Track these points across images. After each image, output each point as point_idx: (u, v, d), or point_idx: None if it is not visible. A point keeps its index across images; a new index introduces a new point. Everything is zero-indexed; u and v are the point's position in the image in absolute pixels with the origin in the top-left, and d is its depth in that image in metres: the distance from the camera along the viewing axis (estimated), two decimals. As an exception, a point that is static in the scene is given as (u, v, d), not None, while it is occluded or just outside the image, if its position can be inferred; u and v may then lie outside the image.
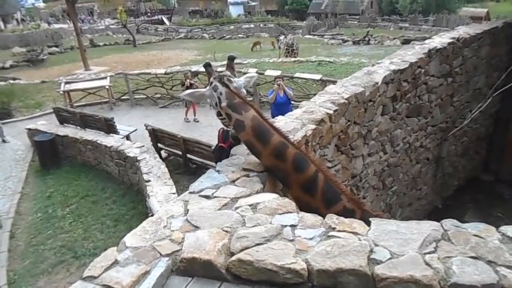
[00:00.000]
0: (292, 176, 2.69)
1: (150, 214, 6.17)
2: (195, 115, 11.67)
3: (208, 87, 2.85)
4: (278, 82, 8.50)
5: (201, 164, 8.74)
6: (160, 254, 2.02)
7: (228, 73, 2.85)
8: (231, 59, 3.00)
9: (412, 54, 6.15)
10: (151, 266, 1.95)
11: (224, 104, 2.75)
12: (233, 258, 1.91)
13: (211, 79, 2.83)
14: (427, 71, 6.29)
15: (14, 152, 10.78)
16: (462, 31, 7.38)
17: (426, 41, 6.96)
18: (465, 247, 1.81)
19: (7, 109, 13.53)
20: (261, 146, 2.70)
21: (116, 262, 1.99)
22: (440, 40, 6.84)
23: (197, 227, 2.19)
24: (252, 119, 2.68)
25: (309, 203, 2.65)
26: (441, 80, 6.74)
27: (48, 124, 11.04)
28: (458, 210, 8.03)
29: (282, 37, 23.90)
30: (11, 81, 18.14)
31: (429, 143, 7.09)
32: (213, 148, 7.08)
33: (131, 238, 2.16)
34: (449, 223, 1.99)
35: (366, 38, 28.85)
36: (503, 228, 1.91)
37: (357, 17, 45.72)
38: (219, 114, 2.88)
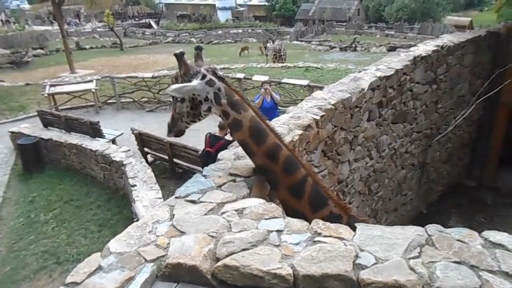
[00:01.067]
0: (281, 177, 2.68)
1: (135, 219, 6.10)
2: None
3: (197, 80, 2.55)
4: (265, 87, 8.52)
5: (188, 168, 8.70)
6: (145, 260, 1.99)
7: (216, 66, 2.75)
8: (199, 49, 2.76)
9: (397, 61, 6.23)
10: (136, 271, 1.92)
11: (224, 101, 2.58)
12: (219, 263, 1.90)
13: (203, 71, 2.57)
14: (412, 78, 6.38)
15: (-4, 156, 10.58)
16: (447, 39, 7.52)
17: (412, 49, 7.07)
18: (448, 252, 1.83)
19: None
20: (255, 146, 2.65)
21: (99, 268, 1.95)
22: (425, 47, 6.95)
23: (182, 232, 2.17)
24: (251, 119, 2.61)
25: (295, 207, 2.65)
26: (426, 87, 6.85)
27: (32, 127, 10.86)
28: (442, 215, 8.15)
29: (269, 44, 24.05)
30: (-6, 83, 17.85)
31: (414, 149, 7.18)
32: (200, 152, 7.06)
33: (116, 243, 2.13)
34: (433, 228, 2.01)
35: (353, 45, 29.23)
36: (486, 233, 1.94)
37: (344, 24, 46.27)
38: (208, 110, 2.65)
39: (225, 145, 6.11)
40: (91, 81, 14.62)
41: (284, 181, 2.69)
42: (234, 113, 2.60)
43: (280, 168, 2.66)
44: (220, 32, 44.55)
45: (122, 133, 10.51)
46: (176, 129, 2.78)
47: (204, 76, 2.56)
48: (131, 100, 14.27)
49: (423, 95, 6.83)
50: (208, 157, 5.85)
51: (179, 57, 2.58)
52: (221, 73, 2.67)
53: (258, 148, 2.65)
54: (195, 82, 2.55)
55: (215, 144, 6.10)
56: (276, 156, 2.64)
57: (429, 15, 43.18)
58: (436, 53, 6.83)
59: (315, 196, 2.68)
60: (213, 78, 2.57)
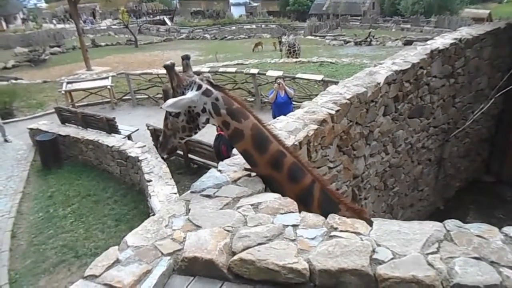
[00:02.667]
0: (287, 186, 2.55)
1: (151, 214, 6.17)
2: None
3: (193, 92, 2.40)
4: (278, 81, 8.50)
5: (203, 164, 8.74)
6: (162, 253, 2.01)
7: (209, 74, 2.58)
8: (187, 58, 2.58)
9: (414, 54, 6.14)
10: (153, 265, 1.95)
11: (223, 111, 2.43)
12: (235, 257, 1.90)
13: (197, 81, 2.42)
14: (429, 72, 6.28)
15: (16, 152, 10.80)
16: (465, 32, 7.37)
17: (429, 42, 6.95)
18: (467, 248, 1.80)
19: (9, 109, 13.56)
20: (258, 155, 2.51)
21: (117, 261, 1.98)
22: (443, 41, 6.82)
23: (198, 227, 2.18)
24: (252, 127, 2.46)
25: None
26: (443, 81, 6.73)
27: (49, 124, 11.07)
28: (459, 211, 8.01)
29: (284, 39, 23.91)
30: (13, 81, 18.19)
31: (431, 144, 7.07)
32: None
33: (133, 237, 2.16)
34: (451, 224, 1.98)
35: (368, 39, 28.84)
36: (506, 229, 1.90)
37: (359, 18, 45.70)
38: (206, 122, 2.50)
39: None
40: (106, 78, 14.81)
41: (290, 190, 2.54)
42: (235, 123, 2.45)
43: (285, 177, 2.53)
44: (233, 28, 44.48)
45: (138, 129, 10.62)
46: (170, 147, 2.59)
47: (199, 87, 2.41)
48: (146, 96, 14.40)
49: (440, 89, 6.72)
50: (219, 139, 5.83)
51: (170, 68, 2.41)
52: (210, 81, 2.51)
53: (261, 158, 2.51)
54: (191, 94, 2.39)
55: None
56: (280, 164, 2.51)
57: (446, 8, 42.29)
58: (454, 46, 6.70)
59: (324, 202, 2.56)
60: (209, 87, 2.43)
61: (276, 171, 2.53)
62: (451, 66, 6.78)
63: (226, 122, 2.46)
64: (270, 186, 2.65)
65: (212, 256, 1.92)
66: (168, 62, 2.42)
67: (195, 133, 2.58)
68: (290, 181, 2.54)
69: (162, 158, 2.70)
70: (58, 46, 32.18)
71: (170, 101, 2.34)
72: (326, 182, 2.74)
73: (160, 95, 14.24)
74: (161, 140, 2.60)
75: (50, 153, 10.02)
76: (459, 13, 41.01)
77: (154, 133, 9.46)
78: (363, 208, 2.57)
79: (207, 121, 2.51)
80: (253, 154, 2.52)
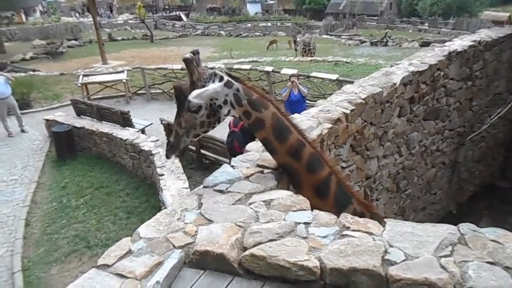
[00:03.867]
0: (304, 176, 2.58)
1: (162, 208, 6.22)
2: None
3: (215, 83, 2.40)
4: (292, 80, 8.47)
5: (215, 160, 8.77)
6: (174, 246, 2.04)
7: (222, 65, 2.67)
8: (197, 53, 2.50)
9: (431, 56, 6.06)
10: (164, 257, 1.97)
11: (244, 101, 2.46)
12: (246, 252, 1.91)
13: (218, 72, 2.44)
14: (446, 74, 6.20)
15: (31, 142, 10.98)
16: (484, 34, 7.25)
17: (447, 43, 6.86)
18: (482, 252, 1.77)
19: (27, 100, 13.77)
20: (278, 143, 2.54)
21: (129, 252, 2.01)
22: (461, 42, 6.73)
23: (210, 221, 2.20)
24: (272, 116, 2.49)
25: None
26: (461, 84, 6.64)
27: (65, 116, 11.21)
28: (472, 216, 7.88)
29: (299, 38, 23.80)
30: (31, 73, 18.46)
31: (446, 147, 6.98)
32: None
33: (145, 229, 2.18)
34: (466, 227, 1.95)
35: (384, 40, 28.55)
36: (522, 234, 1.87)
37: (376, 18, 45.25)
38: (227, 114, 2.50)
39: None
40: (122, 71, 14.94)
41: (307, 180, 2.58)
42: (256, 113, 2.48)
43: (304, 167, 2.56)
44: (249, 25, 44.44)
45: (151, 123, 10.70)
46: (182, 146, 2.56)
47: (221, 78, 2.42)
48: (161, 91, 14.49)
49: (457, 92, 6.62)
50: (232, 136, 5.86)
51: (189, 61, 2.38)
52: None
53: (281, 146, 2.54)
54: (215, 85, 2.39)
55: (238, 124, 6.17)
56: (300, 154, 2.53)
57: (465, 10, 41.57)
58: (472, 49, 6.60)
59: (340, 195, 2.58)
60: (230, 79, 2.45)
61: (295, 161, 2.56)
62: (469, 68, 6.68)
63: (248, 112, 2.49)
64: (288, 174, 2.67)
65: (223, 251, 1.93)
66: (187, 55, 2.39)
67: (213, 127, 2.56)
68: (308, 171, 2.57)
69: (168, 158, 2.66)
70: (75, 39, 32.54)
71: (195, 92, 2.32)
72: (342, 175, 2.76)
73: (174, 90, 14.32)
74: (173, 140, 2.55)
75: (65, 145, 10.16)
76: (478, 16, 40.32)
77: (168, 127, 9.52)
78: (373, 204, 2.55)
79: (228, 113, 2.51)
80: (273, 142, 2.56)
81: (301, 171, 2.58)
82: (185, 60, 2.39)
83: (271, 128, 2.51)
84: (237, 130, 6.02)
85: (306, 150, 2.56)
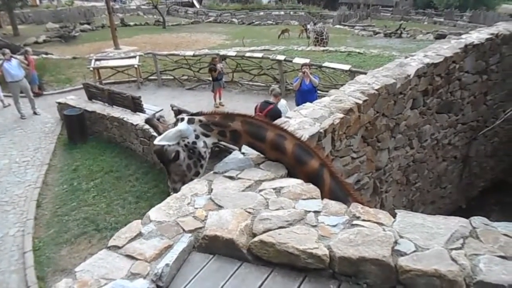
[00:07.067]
0: (297, 168, 2.61)
1: (171, 193, 6.26)
2: (219, 99, 11.79)
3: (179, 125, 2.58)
4: (303, 70, 8.41)
5: (224, 147, 8.77)
6: (183, 230, 2.05)
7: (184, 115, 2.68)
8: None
9: (447, 48, 5.97)
10: (174, 241, 1.98)
11: (212, 126, 2.59)
12: (255, 239, 1.91)
13: (178, 117, 2.64)
14: (461, 67, 6.10)
15: (43, 125, 11.09)
16: (502, 28, 7.10)
17: (463, 36, 6.74)
18: (493, 246, 1.76)
19: (39, 83, 13.87)
20: (260, 143, 2.63)
21: (140, 234, 2.03)
22: (478, 35, 6.60)
23: (220, 206, 2.20)
24: (242, 124, 2.58)
25: None
26: (476, 77, 6.53)
27: (77, 99, 11.28)
28: (482, 211, 7.80)
29: (309, 26, 23.48)
30: (44, 56, 18.55)
31: (458, 141, 6.91)
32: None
33: (156, 213, 2.20)
34: (478, 221, 1.93)
35: (398, 31, 28.07)
36: (535, 230, 1.85)
37: (390, 9, 44.47)
38: (205, 146, 2.63)
39: (275, 110, 6.29)
40: (134, 57, 14.93)
41: (301, 172, 2.58)
42: (226, 128, 2.59)
43: (292, 158, 2.59)
44: (261, 13, 43.95)
45: (162, 109, 10.68)
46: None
47: (182, 119, 2.59)
48: (172, 77, 14.48)
49: (472, 85, 6.52)
50: None
51: (150, 120, 2.75)
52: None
53: (264, 145, 2.62)
54: (178, 126, 2.55)
55: (265, 109, 6.24)
56: (283, 147, 2.58)
57: (482, 3, 40.66)
58: (489, 42, 6.48)
59: (336, 192, 2.55)
60: (189, 116, 2.60)
61: (283, 154, 2.61)
62: (485, 62, 6.57)
63: (220, 131, 2.61)
64: (286, 168, 2.71)
65: (232, 236, 1.94)
66: (148, 116, 2.80)
67: (202, 166, 2.68)
68: (297, 162, 2.60)
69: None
70: (88, 24, 32.56)
71: (159, 137, 2.50)
72: (335, 169, 2.76)
73: (185, 77, 14.31)
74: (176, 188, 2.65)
75: (76, 128, 10.24)
76: (495, 9, 39.45)
77: (178, 113, 9.52)
78: (370, 205, 2.48)
79: (205, 144, 2.64)
80: (256, 144, 2.65)
81: (292, 163, 2.62)
82: (147, 121, 2.81)
83: (245, 133, 2.59)
84: (262, 115, 6.09)
85: (288, 142, 2.59)
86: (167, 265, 1.83)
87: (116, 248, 1.95)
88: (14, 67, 10.95)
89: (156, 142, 2.49)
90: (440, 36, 22.77)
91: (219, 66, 11.47)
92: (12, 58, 11.08)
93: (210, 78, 12.11)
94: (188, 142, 2.58)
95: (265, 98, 8.18)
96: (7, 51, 11.32)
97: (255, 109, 6.51)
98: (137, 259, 1.87)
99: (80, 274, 1.79)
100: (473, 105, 6.80)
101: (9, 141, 10.12)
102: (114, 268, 1.82)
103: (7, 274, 5.96)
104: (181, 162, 2.59)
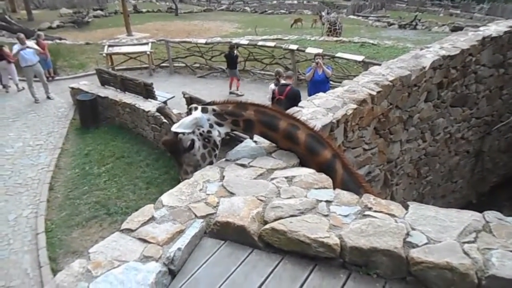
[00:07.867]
0: (309, 158, 2.63)
1: (181, 180, 6.30)
2: (231, 88, 11.79)
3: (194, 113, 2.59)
4: (316, 60, 8.34)
5: (235, 136, 8.78)
6: (195, 215, 2.07)
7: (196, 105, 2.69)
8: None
9: (464, 40, 5.86)
10: (186, 225, 2.01)
11: (226, 116, 2.61)
12: (267, 226, 1.93)
13: (191, 107, 2.65)
14: (478, 60, 5.99)
15: (57, 109, 11.20)
16: (521, 20, 6.94)
17: (481, 28, 6.62)
18: (507, 241, 1.74)
19: (53, 68, 13.97)
20: (273, 133, 2.65)
21: (152, 219, 2.05)
22: (496, 28, 6.48)
23: (232, 193, 2.22)
24: (255, 113, 2.60)
25: None
26: (492, 71, 6.42)
27: (90, 85, 11.35)
28: (493, 207, 7.65)
29: (323, 13, 23.11)
30: (57, 41, 18.66)
31: (471, 135, 6.82)
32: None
33: (168, 198, 2.22)
34: (491, 215, 1.92)
35: (413, 23, 27.59)
36: (550, 226, 1.83)
37: (406, 0, 43.73)
38: (219, 134, 2.66)
39: (293, 90, 6.56)
40: (146, 43, 14.94)
41: (313, 162, 2.60)
42: (240, 117, 2.60)
43: (304, 148, 2.61)
44: (274, 2, 43.55)
45: (174, 96, 10.73)
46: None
47: (196, 108, 2.61)
48: (184, 65, 14.48)
49: (488, 79, 6.41)
50: (280, 104, 5.94)
51: (162, 109, 2.82)
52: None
53: (276, 134, 2.64)
54: (193, 114, 2.56)
55: (283, 92, 6.38)
56: (296, 137, 2.60)
57: (501, -5, 39.77)
58: (508, 35, 6.35)
59: (348, 183, 2.56)
60: (203, 106, 2.61)
61: (295, 144, 2.63)
62: (502, 55, 6.45)
63: (234, 120, 2.62)
64: (299, 158, 2.72)
65: (244, 223, 1.95)
66: (160, 105, 2.85)
67: (215, 156, 2.70)
68: (309, 152, 2.61)
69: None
70: (101, 10, 32.64)
71: (176, 124, 2.54)
72: (347, 160, 2.78)
73: (197, 65, 14.30)
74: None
75: (89, 113, 10.33)
76: (515, 1, 38.48)
77: (190, 101, 9.54)
78: (380, 196, 2.47)
79: (220, 133, 2.66)
80: (268, 134, 2.67)
81: (304, 153, 2.63)
82: (158, 109, 2.88)
83: (258, 122, 2.60)
84: (282, 98, 6.21)
85: (301, 132, 2.60)
86: (179, 249, 1.85)
87: (129, 231, 1.98)
88: (29, 53, 11.07)
89: (173, 129, 2.52)
90: (456, 29, 22.32)
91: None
92: (28, 48, 11.16)
93: (223, 66, 12.14)
94: (203, 131, 2.59)
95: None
96: (22, 35, 11.43)
97: (273, 94, 6.63)
98: (149, 242, 1.89)
99: (93, 255, 1.82)
100: (488, 99, 6.70)
101: (23, 124, 10.25)
102: (127, 251, 1.85)
103: (20, 254, 6.09)
104: (196, 151, 2.60)
